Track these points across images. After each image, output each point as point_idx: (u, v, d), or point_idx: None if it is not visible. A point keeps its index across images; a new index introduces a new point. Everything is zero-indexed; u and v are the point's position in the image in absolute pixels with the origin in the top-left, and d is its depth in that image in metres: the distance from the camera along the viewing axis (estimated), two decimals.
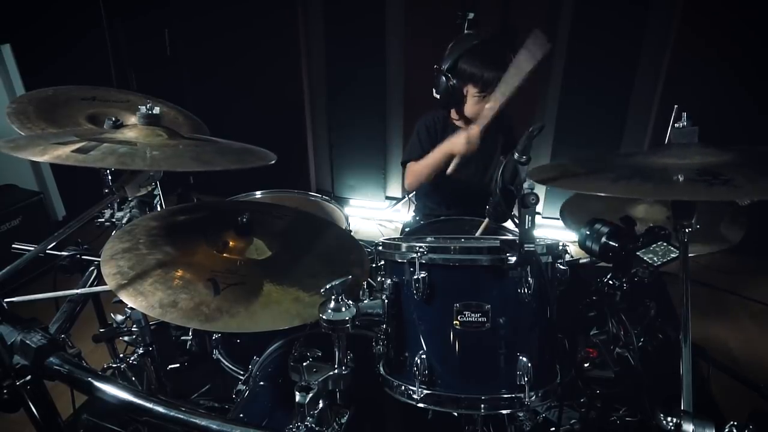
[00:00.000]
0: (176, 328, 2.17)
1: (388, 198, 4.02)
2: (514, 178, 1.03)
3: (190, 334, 2.12)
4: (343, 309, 1.08)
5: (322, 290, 1.07)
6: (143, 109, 1.28)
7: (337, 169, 4.06)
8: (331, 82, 3.79)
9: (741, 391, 1.74)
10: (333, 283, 1.07)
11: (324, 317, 1.07)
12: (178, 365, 2.05)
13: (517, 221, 1.06)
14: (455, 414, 1.31)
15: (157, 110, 1.28)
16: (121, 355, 1.82)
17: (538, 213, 2.63)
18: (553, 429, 1.50)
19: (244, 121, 3.36)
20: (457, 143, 1.89)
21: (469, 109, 2.02)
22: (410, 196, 3.65)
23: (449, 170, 1.91)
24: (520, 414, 1.45)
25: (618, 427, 1.42)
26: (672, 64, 3.11)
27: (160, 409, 0.90)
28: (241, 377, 1.71)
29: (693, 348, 0.94)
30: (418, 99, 3.54)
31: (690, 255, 1.09)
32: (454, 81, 1.97)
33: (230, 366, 1.79)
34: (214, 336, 1.84)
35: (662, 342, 1.35)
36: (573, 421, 1.51)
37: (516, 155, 1.02)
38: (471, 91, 1.97)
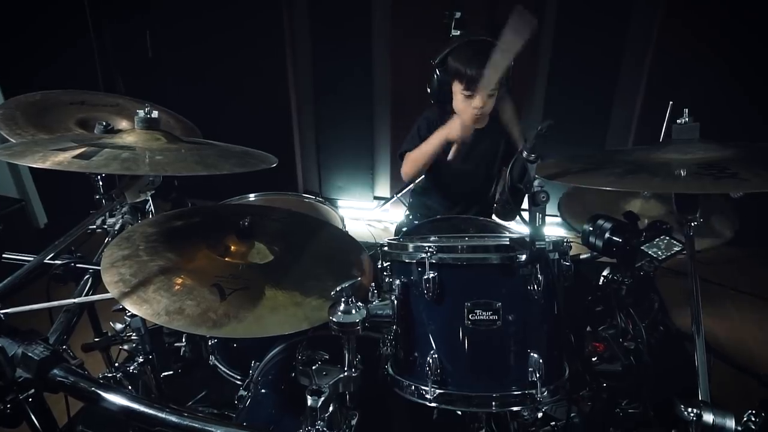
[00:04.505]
0: (169, 334, 2.14)
1: (376, 198, 4.02)
2: (523, 176, 1.03)
3: (184, 340, 2.09)
4: (353, 311, 1.07)
5: (332, 292, 1.07)
6: (141, 113, 1.25)
7: (324, 170, 4.04)
8: (318, 84, 3.76)
9: (735, 383, 1.78)
10: (343, 285, 1.07)
11: (334, 319, 1.06)
12: (171, 372, 2.02)
13: (525, 219, 1.07)
14: (458, 412, 1.32)
15: (155, 114, 1.25)
16: (117, 364, 1.78)
17: None
18: (554, 423, 1.51)
19: (230, 124, 3.31)
20: (452, 128, 1.89)
21: (457, 105, 2.02)
22: (399, 195, 3.65)
23: (450, 156, 1.90)
24: (525, 413, 1.46)
25: (621, 419, 1.43)
26: (655, 58, 3.16)
27: (173, 418, 0.89)
28: (239, 382, 1.69)
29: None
30: (405, 99, 3.55)
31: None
32: (443, 77, 1.97)
33: (227, 371, 1.77)
34: (211, 342, 1.82)
35: (663, 334, 1.37)
36: (572, 414, 1.53)
37: (525, 153, 1.02)
38: (457, 88, 1.97)
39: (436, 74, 1.98)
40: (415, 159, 2.04)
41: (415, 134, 2.11)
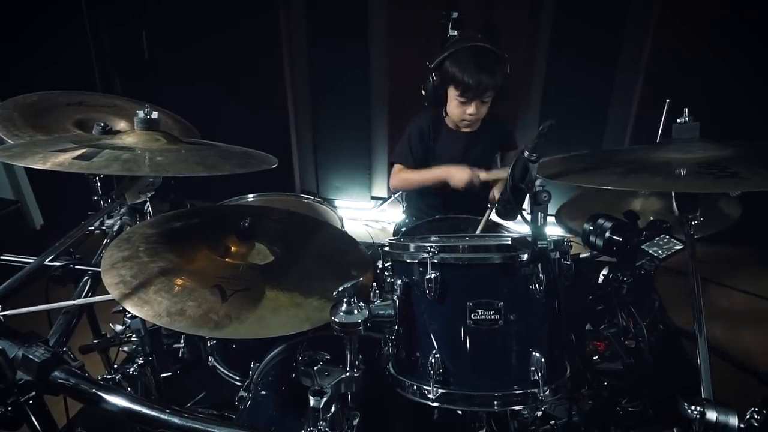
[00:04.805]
0: (168, 336, 2.13)
1: (373, 198, 4.02)
2: (525, 175, 1.04)
3: (182, 341, 2.09)
4: (355, 311, 1.07)
5: (334, 293, 1.07)
6: (141, 113, 1.25)
7: (321, 171, 4.03)
8: (315, 84, 3.76)
9: (734, 381, 1.78)
10: (345, 286, 1.06)
11: (336, 320, 1.06)
12: (170, 373, 2.01)
13: (527, 218, 1.07)
14: (459, 412, 1.32)
15: (155, 115, 1.25)
16: (116, 366, 1.78)
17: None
18: (553, 422, 1.51)
19: (227, 124, 3.30)
20: (457, 179, 1.91)
21: (451, 110, 2.02)
22: (396, 195, 3.65)
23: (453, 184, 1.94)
24: (525, 412, 1.46)
25: (621, 417, 1.44)
26: (652, 56, 3.16)
27: (176, 420, 0.88)
28: (238, 383, 1.69)
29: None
30: (402, 99, 3.55)
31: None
32: (439, 80, 1.96)
33: (226, 372, 1.76)
34: (210, 343, 1.81)
35: (663, 333, 1.38)
36: (573, 413, 1.53)
37: (526, 153, 1.02)
38: (452, 94, 1.96)
39: (432, 77, 1.97)
40: (409, 181, 2.09)
41: (406, 144, 2.12)
